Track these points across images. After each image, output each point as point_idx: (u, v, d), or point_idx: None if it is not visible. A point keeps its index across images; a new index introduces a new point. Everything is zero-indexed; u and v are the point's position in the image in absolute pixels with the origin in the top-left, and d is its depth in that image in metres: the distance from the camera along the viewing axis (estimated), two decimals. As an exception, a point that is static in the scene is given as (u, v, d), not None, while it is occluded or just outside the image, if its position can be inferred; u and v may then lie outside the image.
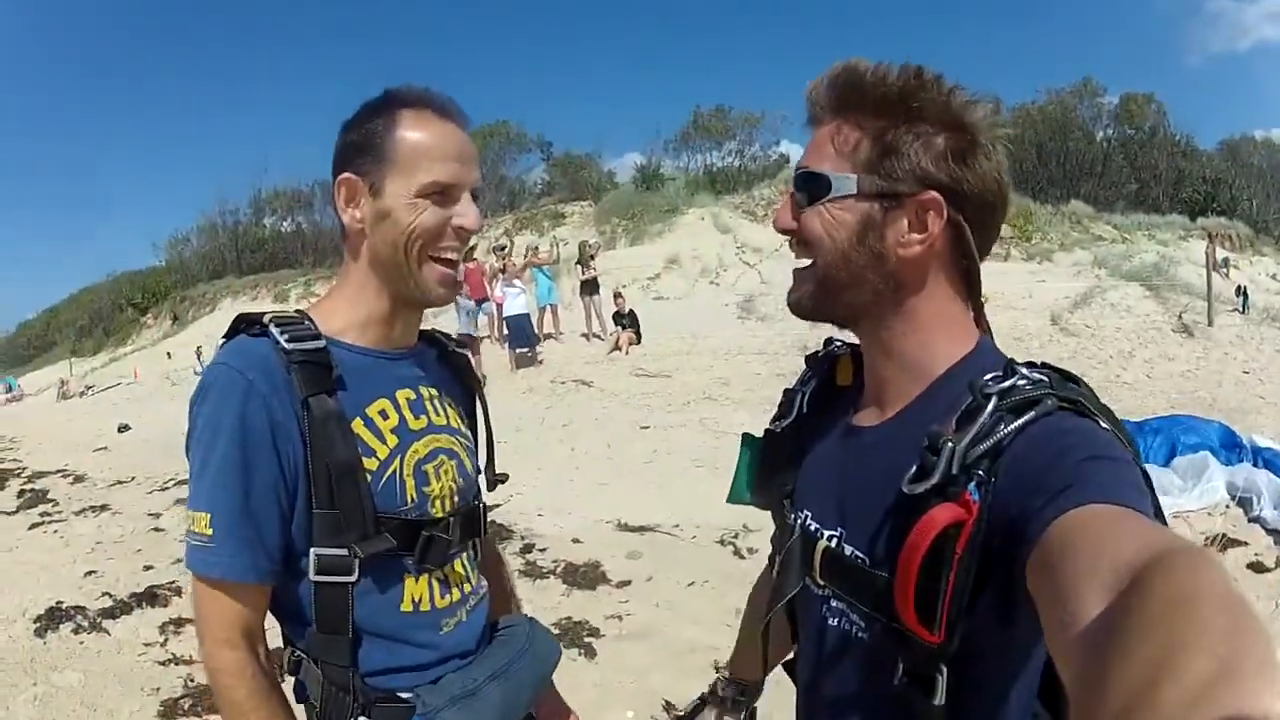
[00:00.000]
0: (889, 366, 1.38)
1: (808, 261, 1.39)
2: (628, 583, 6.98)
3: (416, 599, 1.74)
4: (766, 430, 1.66)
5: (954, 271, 1.35)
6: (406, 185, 1.66)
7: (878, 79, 1.27)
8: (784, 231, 1.42)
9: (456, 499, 1.85)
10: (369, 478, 1.64)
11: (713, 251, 28.64)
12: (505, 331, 18.77)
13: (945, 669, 1.14)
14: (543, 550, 7.91)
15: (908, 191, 1.27)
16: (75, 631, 6.64)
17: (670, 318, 21.32)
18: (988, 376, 1.20)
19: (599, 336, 20.13)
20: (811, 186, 1.34)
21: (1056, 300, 17.97)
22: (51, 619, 6.86)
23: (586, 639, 5.91)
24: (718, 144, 42.53)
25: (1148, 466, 5.25)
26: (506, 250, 21.93)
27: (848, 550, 1.33)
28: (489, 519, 2.05)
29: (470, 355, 2.12)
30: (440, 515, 1.78)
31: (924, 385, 1.34)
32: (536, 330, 19.70)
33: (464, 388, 2.07)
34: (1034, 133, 43.82)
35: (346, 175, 1.70)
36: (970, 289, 1.37)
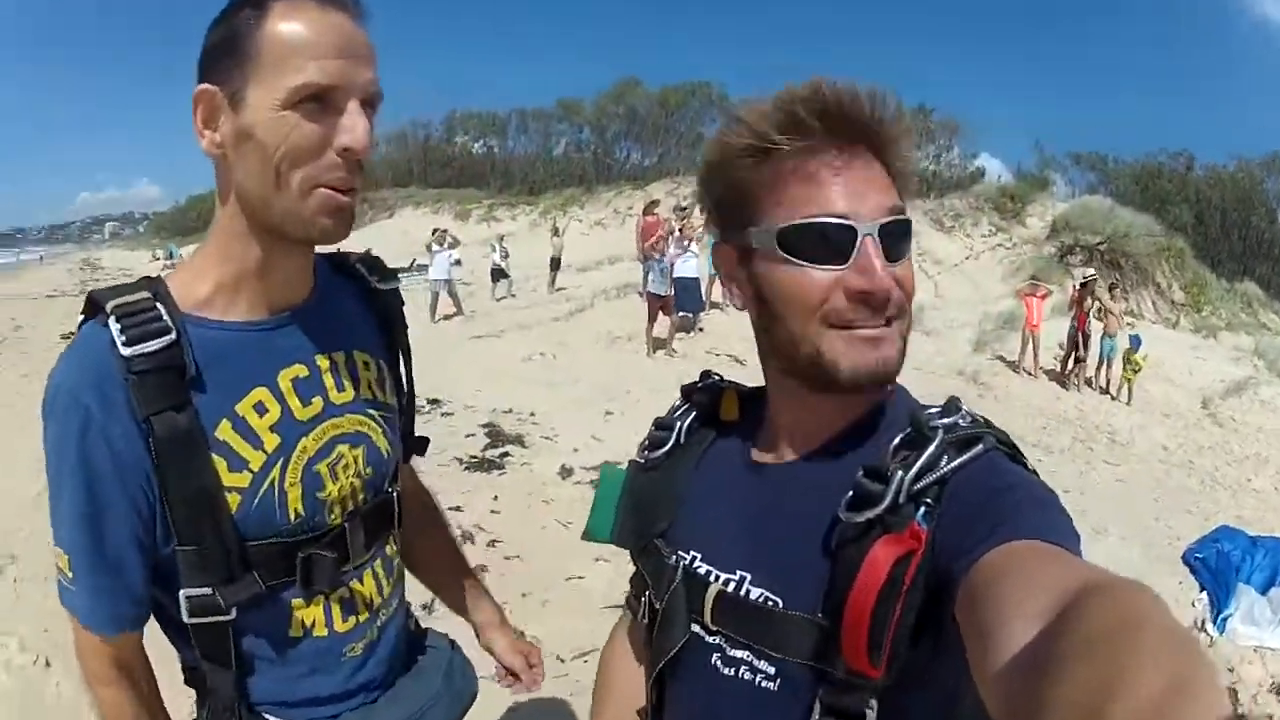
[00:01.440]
0: (823, 407, 1.28)
1: (891, 318, 1.20)
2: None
3: (308, 624, 1.55)
4: (632, 462, 1.56)
5: None
6: (271, 92, 1.31)
7: (903, 115, 1.21)
8: (889, 297, 1.17)
9: (361, 496, 1.61)
10: (239, 499, 1.42)
11: (896, 254, 28.24)
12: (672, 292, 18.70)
13: (875, 702, 1.11)
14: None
15: None
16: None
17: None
18: (930, 410, 1.21)
19: (767, 316, 19.71)
20: (907, 231, 1.22)
21: (1211, 383, 17.35)
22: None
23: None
24: (916, 145, 41.22)
25: (1243, 586, 4.92)
26: (687, 211, 21.81)
27: (754, 593, 1.25)
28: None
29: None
30: (337, 523, 1.56)
31: (844, 424, 1.28)
32: (705, 298, 19.32)
33: (386, 336, 1.77)
34: (1220, 197, 41.88)
35: (203, 86, 1.36)
36: None
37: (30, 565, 5.93)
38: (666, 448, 1.49)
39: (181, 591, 1.42)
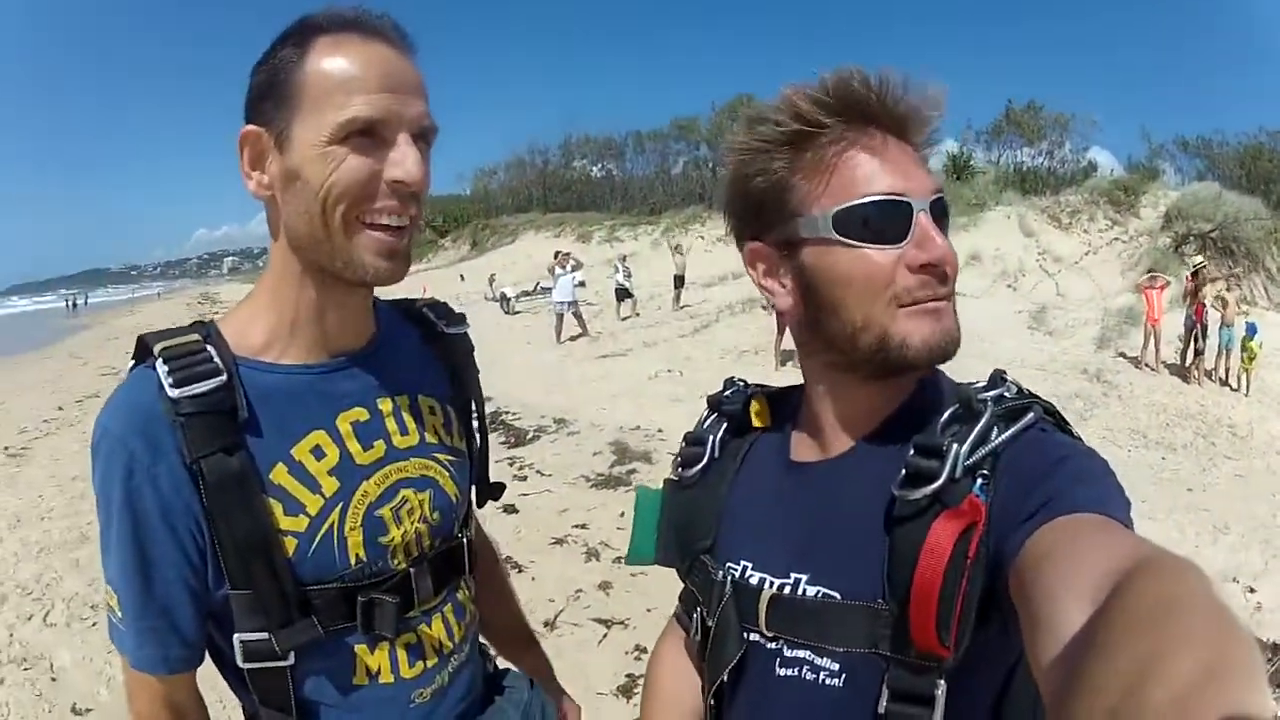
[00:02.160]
0: (860, 398, 1.29)
1: (945, 296, 1.21)
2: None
3: (373, 670, 1.48)
4: (668, 480, 1.55)
5: None
6: (317, 129, 1.28)
7: (933, 100, 1.21)
8: (949, 270, 1.19)
9: (428, 541, 1.55)
10: (295, 543, 1.37)
11: (1014, 254, 27.43)
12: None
13: (944, 683, 1.11)
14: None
15: None
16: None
17: (961, 317, 20.82)
18: (976, 385, 1.23)
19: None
20: (947, 214, 1.23)
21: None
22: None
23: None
24: (1028, 142, 40.46)
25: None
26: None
27: (811, 591, 1.24)
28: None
29: (459, 331, 1.69)
30: (401, 567, 1.49)
31: (885, 413, 1.29)
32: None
33: (454, 381, 1.70)
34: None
35: (248, 128, 1.35)
36: None
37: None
38: (701, 464, 1.48)
39: (236, 635, 1.37)
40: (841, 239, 1.18)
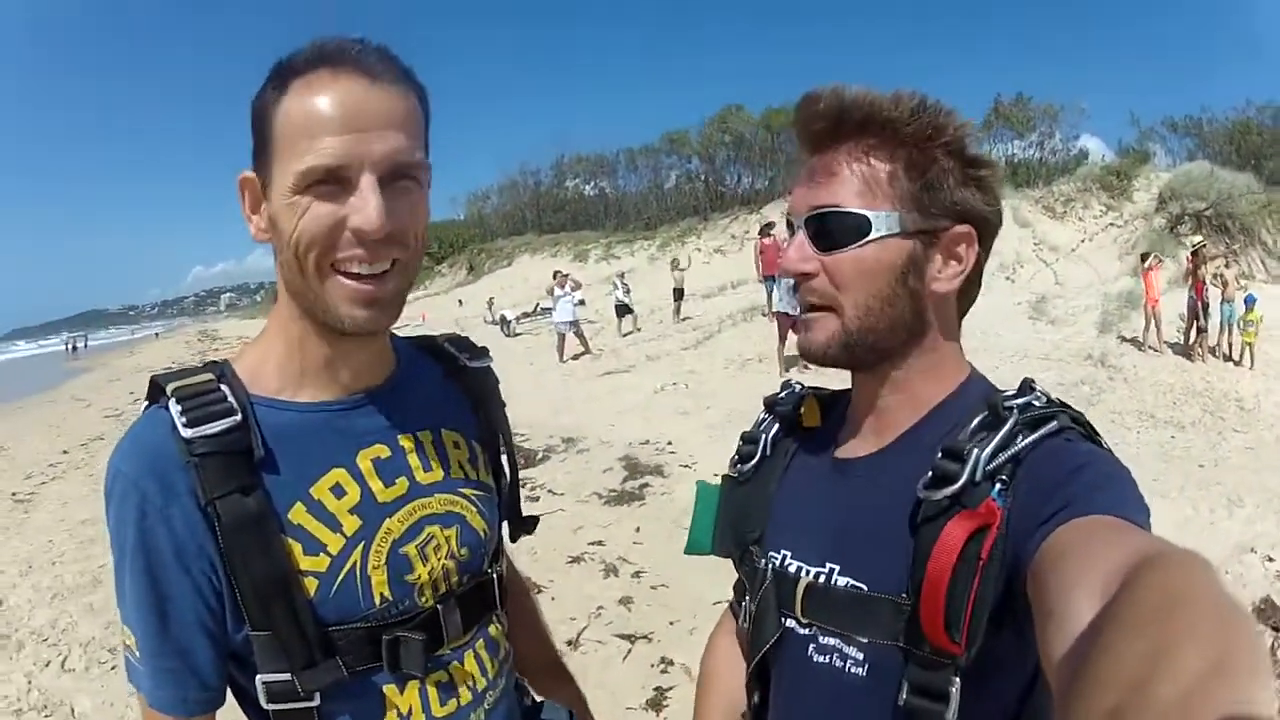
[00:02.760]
0: (892, 400, 1.36)
1: (818, 305, 1.33)
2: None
3: (404, 710, 1.42)
4: (725, 476, 1.62)
5: (961, 301, 1.37)
6: (284, 177, 1.25)
7: (905, 109, 1.24)
8: (800, 275, 1.32)
9: (456, 578, 1.50)
10: (317, 583, 1.33)
11: (1010, 246, 27.38)
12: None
13: (959, 681, 1.14)
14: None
15: (945, 226, 1.28)
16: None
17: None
18: (1004, 393, 1.26)
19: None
20: (847, 226, 1.27)
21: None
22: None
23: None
24: (1019, 135, 40.09)
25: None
26: (774, 226, 21.43)
27: (842, 582, 1.30)
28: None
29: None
30: (429, 605, 1.45)
31: (921, 414, 1.34)
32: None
33: (478, 415, 1.66)
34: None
35: (244, 174, 1.35)
36: (962, 314, 1.40)
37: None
38: (755, 460, 1.56)
39: (258, 677, 1.34)
40: None
